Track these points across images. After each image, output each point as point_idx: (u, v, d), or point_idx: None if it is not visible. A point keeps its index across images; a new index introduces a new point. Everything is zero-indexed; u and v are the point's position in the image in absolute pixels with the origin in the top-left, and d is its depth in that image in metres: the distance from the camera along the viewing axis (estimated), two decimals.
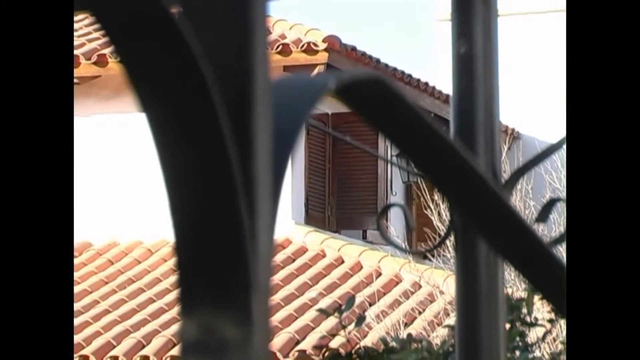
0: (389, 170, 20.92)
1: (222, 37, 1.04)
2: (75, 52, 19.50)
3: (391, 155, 19.18)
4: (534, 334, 6.08)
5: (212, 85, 0.96)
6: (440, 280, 17.13)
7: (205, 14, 1.03)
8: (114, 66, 19.13)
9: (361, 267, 18.20)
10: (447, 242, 3.53)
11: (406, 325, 14.71)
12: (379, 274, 17.83)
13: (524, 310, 5.84)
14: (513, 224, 1.38)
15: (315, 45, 20.56)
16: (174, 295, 17.25)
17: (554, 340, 6.12)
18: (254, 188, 1.04)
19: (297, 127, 1.11)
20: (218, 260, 1.03)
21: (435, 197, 17.69)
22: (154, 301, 17.87)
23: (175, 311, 14.61)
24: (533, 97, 23.48)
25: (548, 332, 6.11)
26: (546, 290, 1.58)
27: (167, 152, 1.01)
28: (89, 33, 20.32)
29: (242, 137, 1.03)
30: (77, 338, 16.34)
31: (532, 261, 1.43)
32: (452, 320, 11.62)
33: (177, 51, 0.96)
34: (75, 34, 20.32)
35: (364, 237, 19.89)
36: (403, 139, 1.28)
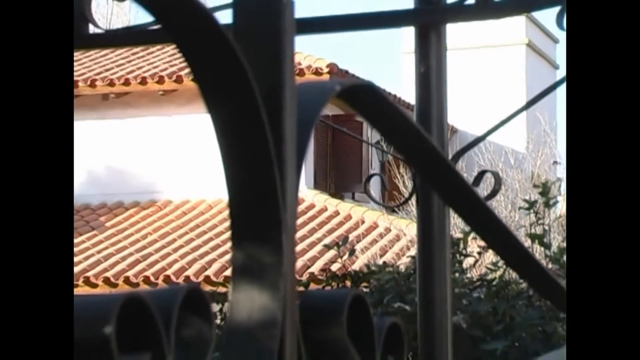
0: (370, 152, 20.98)
1: (263, 58, 1.01)
2: (161, 73, 19.43)
3: (371, 142, 19.25)
4: (467, 262, 6.12)
5: (256, 91, 0.94)
6: (404, 226, 17.18)
7: (252, 40, 1.00)
8: (187, 82, 19.10)
9: (351, 217, 18.29)
10: (411, 200, 3.52)
11: (381, 256, 14.75)
12: (363, 222, 17.93)
13: (462, 245, 5.89)
14: (459, 184, 1.34)
15: (321, 69, 20.62)
16: (228, 234, 17.43)
17: (480, 265, 6.16)
18: (284, 161, 1.02)
19: (314, 118, 1.09)
20: (259, 209, 1.00)
21: (401, 171, 17.79)
22: (213, 239, 17.82)
23: (228, 245, 14.67)
24: (467, 101, 23.48)
25: (477, 260, 6.17)
26: (479, 230, 1.52)
27: (225, 138, 1.00)
28: (172, 60, 20.23)
29: (275, 125, 1.01)
30: (164, 263, 16.39)
31: (471, 210, 1.39)
32: (413, 252, 11.62)
33: (233, 68, 0.94)
34: (161, 59, 20.18)
35: (353, 197, 19.98)
36: (386, 129, 1.26)
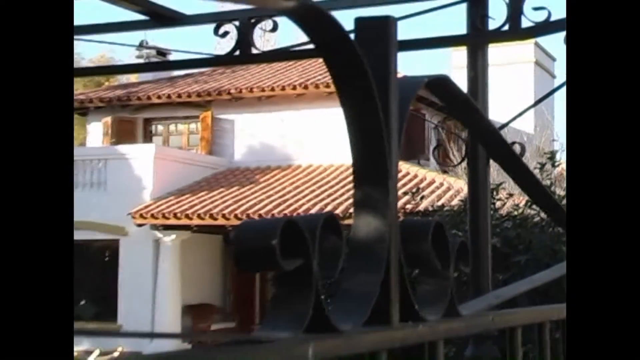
0: (429, 131, 20.69)
1: (376, 60, 0.97)
2: (295, 83, 19.46)
3: (433, 123, 19.08)
4: (498, 204, 6.04)
5: (372, 84, 0.90)
6: (452, 181, 17.01)
7: (369, 47, 0.96)
8: (312, 89, 19.13)
9: (417, 176, 18.06)
10: (462, 164, 3.46)
11: (437, 200, 14.57)
12: (425, 179, 17.71)
13: (495, 193, 5.79)
14: (504, 147, 1.28)
15: None
16: (341, 187, 17.62)
17: (505, 206, 6.11)
18: (390, 130, 0.97)
19: (410, 101, 1.04)
20: (373, 163, 0.96)
21: (451, 145, 17.53)
22: (330, 191, 17.84)
23: (342, 195, 14.50)
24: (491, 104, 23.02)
25: (504, 203, 6.12)
26: (514, 175, 1.46)
27: (352, 117, 0.96)
28: (302, 74, 20.24)
29: (385, 106, 0.96)
30: (296, 206, 16.50)
31: (511, 163, 1.33)
32: (459, 198, 11.50)
33: (358, 68, 0.89)
34: (293, 74, 20.17)
35: (418, 162, 19.68)
36: (456, 108, 1.21)
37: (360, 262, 0.95)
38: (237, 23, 3.10)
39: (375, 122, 0.96)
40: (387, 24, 0.98)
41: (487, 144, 1.40)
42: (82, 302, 18.77)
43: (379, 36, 0.98)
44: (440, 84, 1.12)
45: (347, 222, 5.40)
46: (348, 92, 0.94)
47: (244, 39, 3.09)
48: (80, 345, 16.01)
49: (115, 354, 14.65)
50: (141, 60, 17.90)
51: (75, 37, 3.93)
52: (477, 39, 2.77)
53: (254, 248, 0.79)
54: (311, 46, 3.16)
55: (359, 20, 0.98)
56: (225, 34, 3.21)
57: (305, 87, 19.46)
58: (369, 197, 0.97)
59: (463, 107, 1.19)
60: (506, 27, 2.65)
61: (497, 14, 2.66)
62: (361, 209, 0.98)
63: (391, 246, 0.98)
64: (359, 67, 0.92)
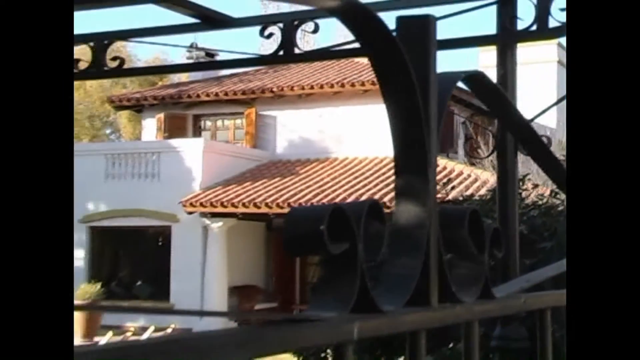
0: (457, 126, 20.53)
1: (417, 56, 0.94)
2: (332, 81, 19.41)
3: (464, 118, 18.93)
4: (525, 194, 5.96)
5: (414, 78, 0.88)
6: (479, 173, 16.87)
7: (411, 44, 0.94)
8: (348, 88, 19.07)
9: (446, 167, 17.91)
10: (490, 157, 3.42)
11: (466, 190, 14.45)
12: (453, 170, 17.55)
13: (522, 183, 5.73)
14: (534, 137, 1.25)
15: None
16: (375, 178, 17.59)
17: (531, 195, 6.04)
18: (429, 123, 0.96)
19: (448, 95, 1.02)
20: (414, 153, 0.94)
21: (478, 138, 17.34)
22: (373, 181, 17.79)
23: (376, 186, 14.46)
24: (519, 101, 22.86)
25: (530, 193, 6.05)
26: (543, 164, 1.43)
27: (394, 110, 0.94)
28: (339, 73, 20.17)
29: (425, 100, 0.94)
30: (333, 195, 16.49)
31: (541, 152, 1.31)
32: (486, 188, 11.41)
33: (401, 64, 0.87)
34: (331, 73, 20.12)
35: (447, 155, 19.49)
36: (490, 101, 1.19)
37: (401, 247, 0.94)
38: (281, 25, 3.10)
39: (416, 115, 0.94)
40: (428, 22, 0.96)
41: (519, 136, 1.37)
42: (139, 283, 18.97)
43: (420, 34, 0.96)
44: (476, 79, 1.09)
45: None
46: (391, 87, 0.92)
47: (288, 40, 3.08)
48: (136, 322, 16.18)
49: (169, 330, 14.80)
50: (191, 61, 17.98)
51: (131, 39, 3.96)
52: (506, 39, 2.73)
53: (303, 233, 0.77)
54: (349, 46, 3.14)
55: (400, 19, 0.96)
56: (270, 35, 3.21)
57: (342, 86, 19.41)
58: (410, 186, 0.95)
59: (497, 100, 1.16)
60: (534, 27, 2.60)
61: (525, 15, 2.62)
62: (402, 196, 0.96)
63: (430, 232, 0.96)
64: (402, 64, 0.90)
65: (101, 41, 3.39)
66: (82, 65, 3.43)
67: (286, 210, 16.42)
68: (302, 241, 0.78)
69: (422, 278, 0.94)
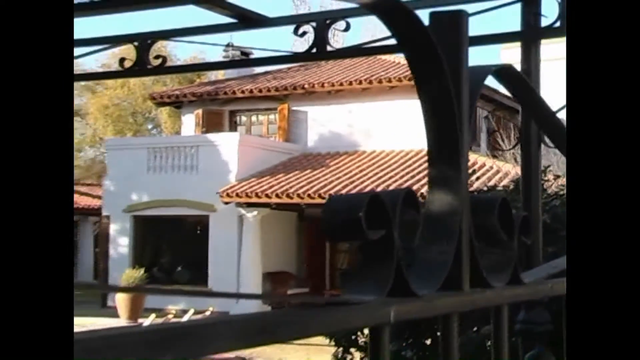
0: (480, 120, 20.34)
1: (449, 49, 0.93)
2: (360, 78, 19.32)
3: (488, 112, 18.74)
4: (547, 184, 5.89)
5: (446, 71, 0.86)
6: (501, 165, 16.70)
7: (443, 38, 0.92)
8: (375, 84, 18.99)
9: (469, 160, 17.70)
10: (513, 149, 3.38)
11: (488, 181, 14.31)
12: (476, 162, 17.36)
13: (544, 175, 5.65)
14: (559, 128, 1.23)
15: None
16: (398, 168, 17.52)
17: (551, 185, 5.97)
18: (461, 114, 0.94)
19: (480, 88, 1.00)
20: (446, 143, 0.93)
21: (500, 131, 17.16)
22: (400, 173, 17.70)
23: (401, 177, 14.36)
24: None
25: (552, 183, 5.99)
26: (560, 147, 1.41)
27: (428, 102, 0.93)
28: (366, 71, 20.08)
29: (457, 92, 0.92)
30: (362, 187, 16.43)
31: (562, 141, 1.28)
32: (507, 180, 11.29)
33: (434, 57, 0.85)
34: (359, 70, 20.04)
35: (470, 148, 19.27)
36: (519, 93, 1.16)
37: (434, 234, 0.92)
38: (314, 24, 3.08)
39: (449, 107, 0.92)
40: (460, 17, 0.94)
41: (545, 127, 1.35)
42: (179, 269, 19.12)
43: (452, 29, 0.94)
44: (505, 72, 1.07)
45: None
46: (425, 80, 0.91)
47: (320, 38, 3.07)
48: (177, 305, 16.31)
49: (207, 313, 14.89)
50: (228, 60, 18.01)
51: (172, 38, 3.97)
52: (530, 36, 2.68)
53: (342, 219, 0.76)
54: (378, 44, 3.10)
55: (433, 15, 0.94)
56: (304, 33, 3.20)
57: (370, 82, 19.34)
58: (443, 175, 0.94)
59: (525, 93, 1.14)
60: (558, 24, 2.55)
61: (549, 12, 2.57)
62: (435, 185, 0.94)
63: (463, 219, 0.94)
64: (436, 59, 0.88)
65: (145, 41, 3.40)
66: (127, 64, 3.45)
67: (317, 200, 16.42)
68: (341, 228, 0.77)
69: (455, 263, 0.92)
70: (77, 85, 40.87)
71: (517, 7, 2.75)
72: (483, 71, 1.01)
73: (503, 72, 1.06)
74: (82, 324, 15.19)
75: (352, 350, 4.95)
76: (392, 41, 3.32)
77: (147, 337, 0.54)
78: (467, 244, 0.95)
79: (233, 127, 21.04)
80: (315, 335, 0.74)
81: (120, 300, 15.56)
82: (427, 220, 0.92)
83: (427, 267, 0.90)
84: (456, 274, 0.93)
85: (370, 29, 26.51)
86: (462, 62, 0.95)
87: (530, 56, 2.71)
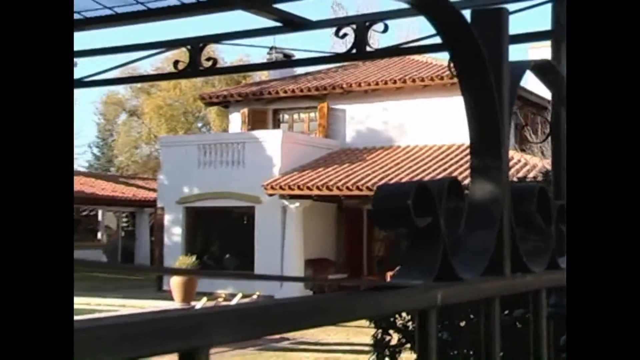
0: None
1: (491, 46, 0.90)
2: (394, 78, 19.20)
3: (517, 107, 18.44)
4: None
5: (488, 67, 0.83)
6: (529, 158, 16.44)
7: (485, 35, 0.89)
8: (409, 84, 18.84)
9: None
10: (539, 143, 3.31)
11: (517, 173, 14.12)
12: None
13: None
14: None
15: None
16: (431, 163, 17.38)
17: None
18: (502, 107, 0.91)
19: (519, 82, 0.97)
20: (488, 135, 0.90)
21: (528, 127, 16.84)
22: (432, 166, 17.57)
23: (434, 170, 14.22)
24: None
25: None
26: None
27: (471, 96, 0.90)
28: (401, 70, 19.94)
29: (498, 86, 0.90)
30: (397, 179, 16.31)
31: None
32: (534, 172, 11.10)
33: (476, 54, 0.83)
34: (393, 70, 19.90)
35: None
36: (555, 87, 1.13)
37: (477, 221, 0.90)
38: (354, 26, 3.06)
39: (491, 101, 0.90)
40: (501, 14, 0.91)
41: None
42: (227, 256, 19.27)
43: (494, 26, 0.91)
44: (544, 67, 1.04)
45: None
46: (468, 76, 0.88)
47: (360, 39, 3.04)
48: (226, 289, 16.45)
49: (254, 297, 14.98)
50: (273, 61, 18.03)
51: (222, 42, 3.98)
52: (561, 34, 2.62)
53: (391, 208, 0.74)
54: (416, 44, 3.05)
55: (475, 12, 0.92)
56: (345, 35, 3.18)
57: (404, 82, 19.22)
58: (485, 165, 0.91)
59: (562, 86, 1.10)
60: None
61: None
62: (478, 175, 0.92)
63: (504, 207, 0.92)
64: (479, 56, 0.86)
65: (197, 44, 3.41)
66: (181, 66, 3.47)
67: (355, 192, 16.39)
68: (390, 215, 0.75)
69: (497, 249, 0.90)
70: (134, 87, 41.31)
71: (548, 7, 2.69)
72: (522, 66, 0.98)
73: (541, 67, 1.03)
74: (141, 305, 15.37)
75: (391, 331, 4.91)
76: (428, 41, 3.28)
77: (213, 318, 0.53)
78: (508, 231, 0.93)
79: (276, 124, 21.10)
80: (365, 318, 0.72)
81: (175, 285, 15.73)
82: (470, 208, 0.90)
83: (471, 253, 0.88)
84: (498, 260, 0.91)
85: (403, 30, 26.33)
86: (502, 58, 0.92)
87: (561, 54, 2.65)
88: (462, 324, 4.31)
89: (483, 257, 0.87)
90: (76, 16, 3.69)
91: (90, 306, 15.04)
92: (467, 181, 0.99)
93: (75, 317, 0.47)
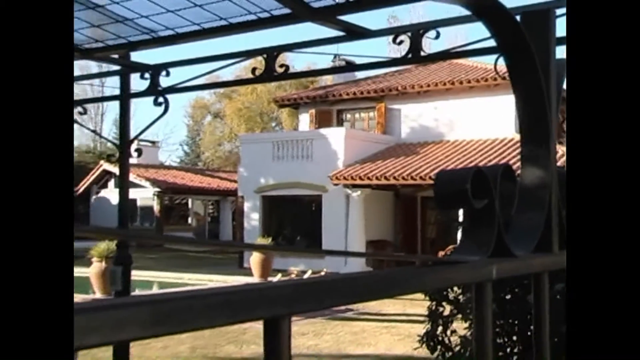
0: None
1: (540, 45, 0.86)
2: (445, 80, 18.87)
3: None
4: None
5: (538, 66, 0.80)
6: (565, 149, 15.88)
7: (533, 34, 0.85)
8: (457, 85, 18.50)
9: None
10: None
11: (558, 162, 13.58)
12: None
13: None
14: None
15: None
16: (478, 154, 17.04)
17: None
18: (550, 102, 0.87)
19: (564, 77, 0.92)
20: (537, 125, 0.87)
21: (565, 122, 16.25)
22: (478, 158, 17.20)
23: (482, 160, 13.89)
24: None
25: None
26: None
27: (522, 92, 0.86)
28: (450, 73, 19.59)
29: (547, 83, 0.86)
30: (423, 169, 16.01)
31: None
32: None
33: (527, 54, 0.80)
34: (443, 73, 19.58)
35: None
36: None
37: (528, 203, 0.87)
38: (409, 34, 3.02)
39: (540, 97, 0.86)
40: (549, 14, 0.88)
41: None
42: (298, 238, 19.42)
43: (542, 25, 0.88)
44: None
45: None
46: (520, 74, 0.85)
47: (415, 45, 3.00)
48: (297, 267, 16.59)
49: (322, 273, 15.05)
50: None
51: (291, 50, 3.99)
52: None
53: (451, 191, 0.73)
54: (465, 48, 2.98)
55: (525, 13, 0.88)
56: (401, 42, 3.14)
57: (453, 83, 18.90)
58: (534, 153, 0.88)
59: None
60: None
61: None
62: (528, 162, 0.89)
63: (552, 191, 0.88)
64: (530, 56, 0.82)
65: (272, 53, 3.43)
66: (258, 72, 3.50)
67: (409, 182, 16.24)
68: (450, 198, 0.73)
69: (546, 229, 0.87)
70: (217, 93, 41.98)
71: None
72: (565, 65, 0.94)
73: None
74: (224, 280, 15.65)
75: (444, 303, 4.85)
76: (474, 46, 3.20)
77: (299, 289, 0.53)
78: (556, 212, 0.89)
79: (340, 123, 21.10)
80: (434, 289, 0.71)
81: (254, 262, 15.95)
82: (521, 192, 0.87)
83: (522, 232, 0.85)
84: (547, 238, 0.88)
85: (448, 37, 25.84)
86: (550, 56, 0.89)
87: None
88: (508, 297, 4.22)
89: (533, 235, 0.84)
90: (169, 32, 3.77)
91: (182, 280, 15.40)
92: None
93: (177, 289, 0.44)
